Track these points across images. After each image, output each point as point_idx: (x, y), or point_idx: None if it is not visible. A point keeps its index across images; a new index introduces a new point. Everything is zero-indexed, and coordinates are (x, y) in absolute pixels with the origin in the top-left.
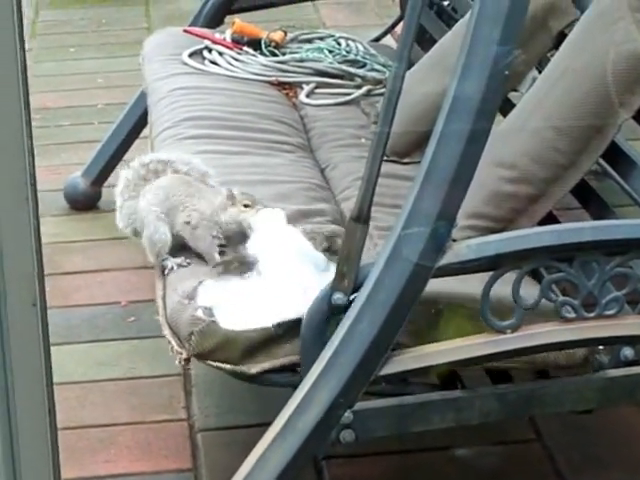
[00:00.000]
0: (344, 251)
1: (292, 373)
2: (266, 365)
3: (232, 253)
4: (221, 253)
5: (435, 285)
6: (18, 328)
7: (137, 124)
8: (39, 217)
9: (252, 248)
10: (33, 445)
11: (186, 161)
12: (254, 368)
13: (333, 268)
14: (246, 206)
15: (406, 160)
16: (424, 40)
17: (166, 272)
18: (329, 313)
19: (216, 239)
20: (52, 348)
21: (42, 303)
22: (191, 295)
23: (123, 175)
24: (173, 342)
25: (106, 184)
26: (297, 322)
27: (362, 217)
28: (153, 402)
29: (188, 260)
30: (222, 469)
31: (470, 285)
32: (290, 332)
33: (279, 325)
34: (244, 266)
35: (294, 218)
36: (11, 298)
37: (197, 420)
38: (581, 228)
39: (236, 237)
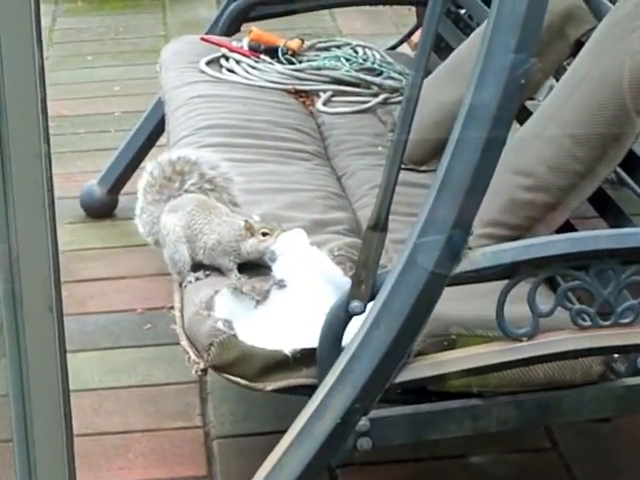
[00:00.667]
0: (361, 259)
1: (309, 389)
2: (282, 384)
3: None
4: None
5: (446, 313)
6: (34, 333)
7: (154, 132)
8: (56, 223)
9: (278, 273)
10: (49, 450)
11: (213, 164)
12: (270, 386)
13: None
14: (264, 234)
15: (423, 168)
16: (441, 48)
17: (184, 285)
18: (346, 321)
19: (232, 263)
20: (68, 355)
21: (58, 308)
22: (208, 305)
23: (149, 169)
24: (191, 352)
25: (123, 192)
26: (313, 350)
27: (379, 225)
28: (169, 409)
29: (207, 272)
30: (237, 476)
31: (480, 305)
32: (308, 358)
33: (296, 352)
34: (261, 292)
35: (310, 227)
36: (27, 303)
37: (213, 427)
38: (597, 236)
39: (259, 269)
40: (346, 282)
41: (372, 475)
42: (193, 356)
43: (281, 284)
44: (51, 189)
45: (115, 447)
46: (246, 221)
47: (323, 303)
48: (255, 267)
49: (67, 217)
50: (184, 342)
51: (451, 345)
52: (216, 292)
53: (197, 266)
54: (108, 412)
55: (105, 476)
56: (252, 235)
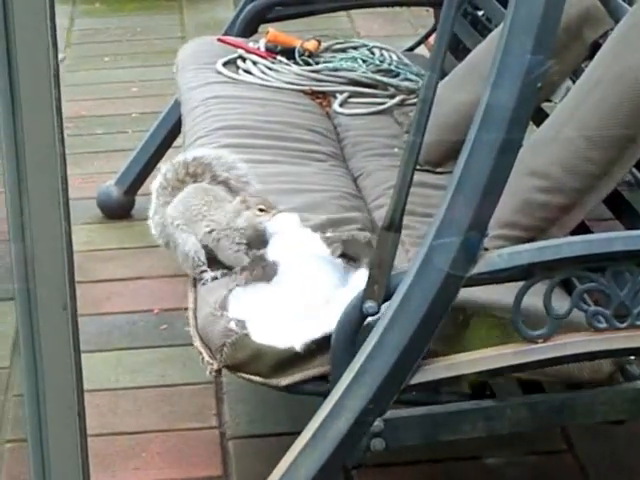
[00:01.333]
0: (376, 260)
1: (323, 382)
2: (297, 377)
3: (253, 257)
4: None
5: (464, 292)
6: (49, 332)
7: (170, 133)
8: (70, 222)
9: (271, 254)
10: (63, 449)
11: (229, 166)
12: (284, 381)
13: (352, 274)
14: (261, 210)
15: (439, 170)
16: (458, 50)
17: (201, 283)
18: (360, 322)
19: (241, 246)
20: (84, 355)
21: (72, 307)
22: (222, 305)
23: (163, 170)
24: (204, 353)
25: (139, 192)
26: (325, 338)
27: (394, 226)
28: (184, 410)
29: (224, 271)
30: (253, 477)
31: (499, 292)
32: (319, 347)
33: (306, 346)
34: (268, 270)
35: (324, 226)
36: (42, 302)
37: (228, 428)
38: (613, 238)
39: (254, 242)
40: (338, 263)
41: (387, 476)
42: (207, 357)
43: (277, 265)
44: (66, 189)
45: (131, 447)
46: (242, 195)
47: (320, 286)
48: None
49: (84, 218)
50: (197, 343)
51: (465, 320)
52: (230, 291)
53: (211, 260)
54: (124, 412)
55: (121, 476)
56: (248, 208)
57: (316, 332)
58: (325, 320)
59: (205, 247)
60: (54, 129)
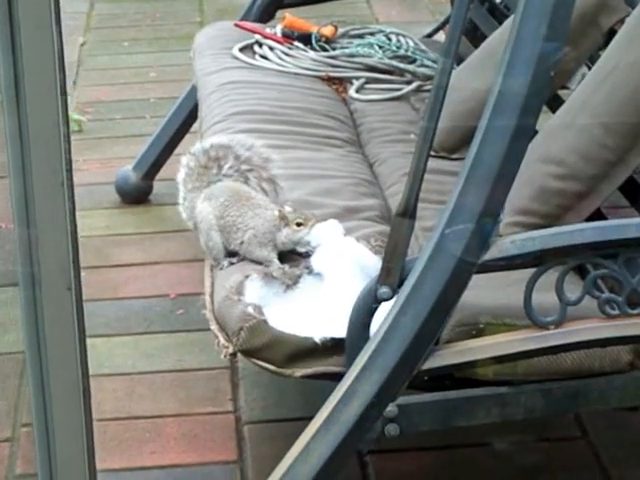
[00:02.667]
0: (390, 246)
1: (336, 379)
2: (310, 371)
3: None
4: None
5: (474, 302)
6: (53, 313)
7: (188, 118)
8: (75, 203)
9: (316, 265)
10: (68, 430)
11: (248, 145)
12: (298, 372)
13: None
14: (299, 225)
15: (455, 156)
16: (476, 37)
17: (218, 268)
18: (374, 307)
19: (271, 254)
20: (101, 339)
21: (77, 288)
22: (239, 290)
23: (184, 162)
24: (220, 336)
25: (157, 177)
26: (343, 339)
27: (408, 212)
28: (200, 394)
29: (241, 257)
30: (267, 461)
31: (507, 295)
32: (338, 346)
33: (326, 340)
34: (292, 276)
35: (341, 214)
36: (46, 283)
37: (243, 412)
38: (626, 225)
39: (292, 256)
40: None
41: (402, 462)
42: (222, 340)
43: (312, 269)
44: (70, 170)
45: (147, 431)
46: (280, 211)
47: (354, 291)
48: (289, 254)
49: (102, 202)
50: (214, 326)
51: (479, 334)
52: (246, 277)
53: (232, 253)
54: (141, 396)
55: (137, 460)
56: (286, 225)
57: (340, 331)
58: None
59: (233, 251)
60: (58, 111)
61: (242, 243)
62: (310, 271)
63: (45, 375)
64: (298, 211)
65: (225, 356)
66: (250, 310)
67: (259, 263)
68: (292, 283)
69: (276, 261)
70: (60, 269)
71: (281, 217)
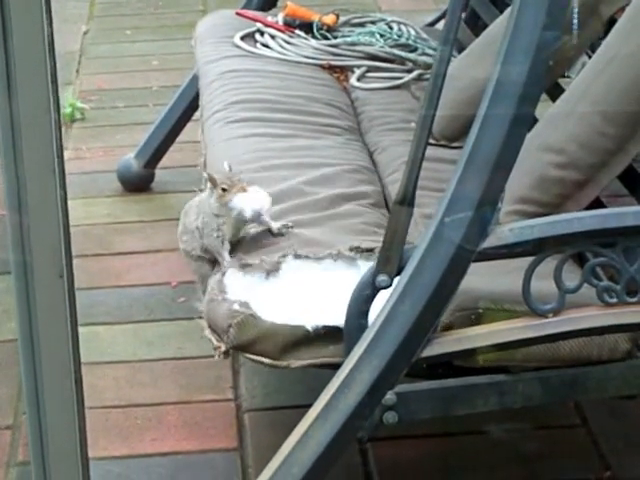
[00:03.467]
0: (388, 233)
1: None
2: (306, 362)
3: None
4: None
5: (474, 287)
6: (45, 300)
7: (189, 106)
8: (66, 190)
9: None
10: (60, 417)
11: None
12: (294, 364)
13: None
14: (223, 190)
15: (455, 144)
16: (477, 26)
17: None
18: (373, 295)
19: (219, 234)
20: (103, 327)
21: (69, 275)
22: (220, 288)
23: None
24: (212, 338)
25: (159, 166)
26: (337, 329)
27: (407, 200)
28: (201, 382)
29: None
30: (268, 449)
31: (509, 282)
32: (333, 335)
33: (318, 328)
34: (271, 263)
35: (334, 201)
36: (38, 270)
37: (244, 400)
38: (624, 213)
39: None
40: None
41: (402, 449)
42: (215, 341)
43: (297, 254)
44: (61, 156)
45: (148, 419)
46: (208, 174)
47: (343, 279)
48: (264, 236)
49: (105, 190)
50: (206, 331)
51: (478, 319)
52: (223, 274)
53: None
54: (141, 384)
55: (138, 447)
56: (215, 188)
57: (332, 319)
58: (338, 312)
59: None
60: (49, 97)
61: (199, 229)
62: (295, 257)
63: (37, 363)
64: (226, 174)
65: (219, 356)
66: (236, 306)
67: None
68: (272, 269)
69: (226, 256)
70: (52, 256)
71: (210, 180)
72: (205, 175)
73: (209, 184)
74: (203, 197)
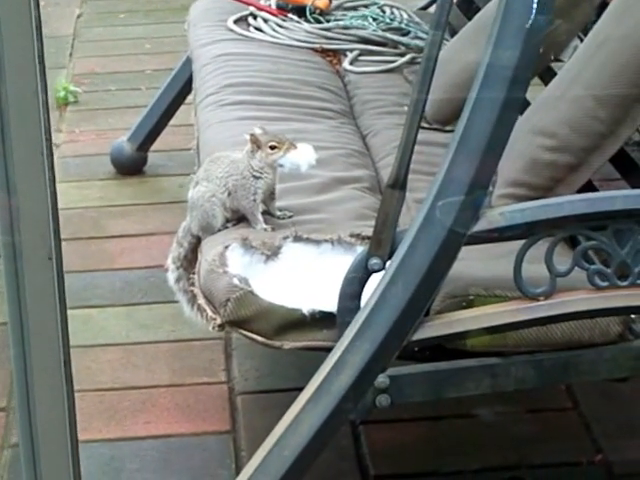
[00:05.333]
0: (380, 216)
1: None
2: (300, 344)
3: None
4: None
5: (465, 273)
6: (34, 282)
7: (182, 90)
8: (54, 172)
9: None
10: (49, 399)
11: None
12: (287, 345)
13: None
14: (272, 148)
15: (448, 128)
16: (470, 10)
17: (203, 243)
18: (365, 278)
19: (257, 195)
20: (97, 310)
21: (58, 257)
22: (222, 261)
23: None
24: (208, 309)
25: (152, 149)
26: (333, 314)
27: (399, 183)
28: (194, 365)
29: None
30: (260, 432)
31: (500, 268)
32: (328, 320)
33: (314, 313)
34: (271, 247)
35: (329, 184)
36: (27, 252)
37: (237, 383)
38: (614, 197)
39: (270, 185)
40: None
41: (395, 432)
42: (210, 312)
43: (298, 237)
44: (49, 138)
45: (141, 401)
46: (252, 135)
47: (342, 264)
48: (269, 218)
49: (98, 173)
50: (201, 300)
51: (469, 306)
52: (226, 247)
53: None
54: (135, 367)
55: (131, 429)
56: (259, 148)
57: (326, 305)
58: (335, 298)
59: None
60: (36, 79)
61: (229, 194)
62: (295, 239)
63: (27, 344)
64: (270, 134)
65: (213, 328)
66: (236, 281)
67: (247, 223)
68: (271, 254)
69: (260, 218)
70: (41, 238)
71: (253, 141)
72: (246, 137)
73: (249, 145)
74: (237, 158)
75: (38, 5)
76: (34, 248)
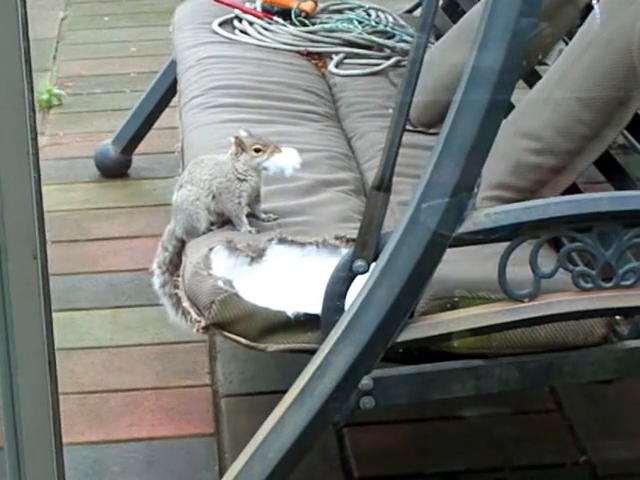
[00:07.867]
0: (365, 219)
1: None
2: (284, 346)
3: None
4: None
5: (449, 276)
6: (19, 281)
7: (167, 92)
8: (40, 171)
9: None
10: (33, 399)
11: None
12: (272, 347)
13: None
14: (257, 151)
15: (433, 130)
16: (455, 13)
17: (187, 247)
18: (350, 280)
19: (242, 198)
20: (80, 313)
21: (43, 257)
22: (206, 264)
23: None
24: (192, 312)
25: (136, 152)
26: (317, 316)
27: (383, 185)
28: (178, 367)
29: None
30: (244, 434)
31: (485, 270)
32: (312, 322)
33: (299, 315)
34: (256, 249)
35: (314, 186)
36: (12, 251)
37: (221, 386)
38: (599, 198)
39: (255, 187)
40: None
41: (379, 434)
42: (194, 315)
43: (282, 239)
44: (35, 138)
45: (125, 404)
46: (236, 137)
47: (327, 267)
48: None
49: (82, 176)
50: (186, 303)
51: (454, 307)
52: (210, 250)
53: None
54: (118, 369)
55: (114, 432)
56: (244, 151)
57: (311, 308)
58: (320, 300)
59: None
60: (23, 79)
61: (214, 197)
62: (279, 241)
63: (11, 344)
64: (255, 137)
65: (198, 330)
66: (220, 284)
67: (232, 226)
68: (256, 256)
69: (245, 220)
70: (26, 238)
71: (237, 143)
72: (231, 139)
73: (233, 148)
74: (221, 161)
75: (25, 4)
76: (19, 247)
